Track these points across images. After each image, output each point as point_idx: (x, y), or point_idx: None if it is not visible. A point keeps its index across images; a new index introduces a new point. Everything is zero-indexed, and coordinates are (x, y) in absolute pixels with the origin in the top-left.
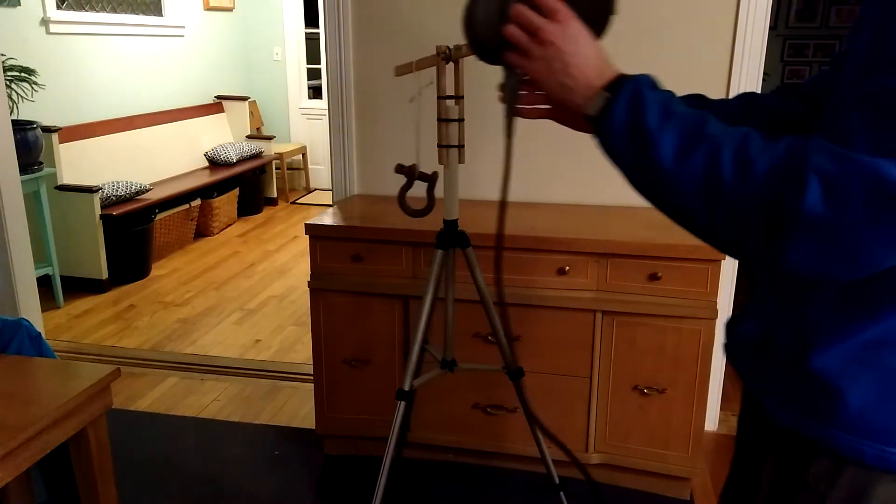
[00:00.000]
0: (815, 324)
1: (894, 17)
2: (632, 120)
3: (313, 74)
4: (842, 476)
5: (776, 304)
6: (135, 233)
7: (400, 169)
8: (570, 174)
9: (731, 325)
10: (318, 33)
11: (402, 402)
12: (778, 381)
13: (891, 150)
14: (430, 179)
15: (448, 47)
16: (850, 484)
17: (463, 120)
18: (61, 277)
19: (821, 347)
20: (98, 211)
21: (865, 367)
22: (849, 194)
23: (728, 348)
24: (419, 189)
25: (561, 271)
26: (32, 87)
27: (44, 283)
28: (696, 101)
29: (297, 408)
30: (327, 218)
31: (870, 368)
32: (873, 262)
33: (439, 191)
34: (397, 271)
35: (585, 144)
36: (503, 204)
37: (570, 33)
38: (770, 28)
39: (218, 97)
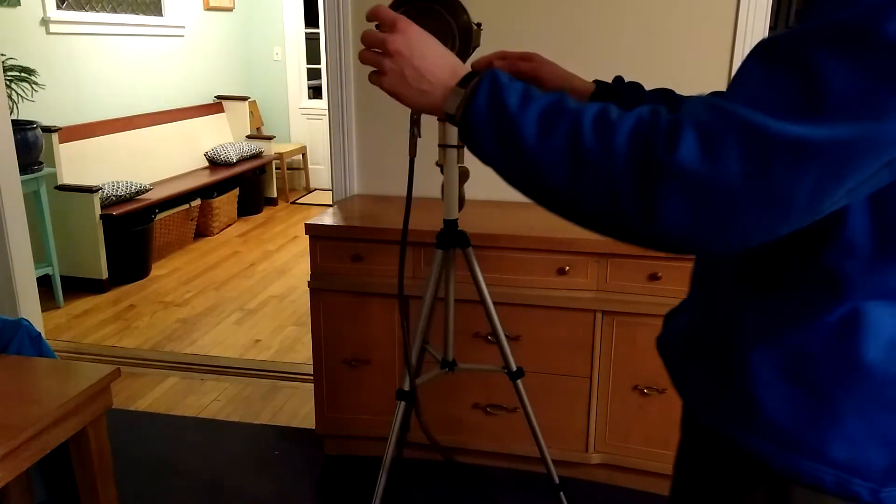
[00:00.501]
0: (739, 325)
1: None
2: (492, 107)
3: (313, 74)
4: (759, 483)
5: (702, 298)
6: (135, 233)
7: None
8: None
9: (665, 320)
10: (318, 33)
11: (402, 402)
12: (700, 378)
13: (768, 103)
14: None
15: None
16: (768, 491)
17: None
18: (61, 277)
19: (742, 350)
20: (98, 211)
21: (784, 375)
22: (724, 145)
23: (658, 341)
24: (427, 187)
25: (561, 271)
26: (32, 87)
27: (44, 283)
28: (663, 94)
29: (297, 408)
30: (327, 218)
31: (788, 377)
32: (744, 228)
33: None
34: (397, 271)
35: None
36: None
37: (413, 40)
38: (770, 28)
39: (218, 97)
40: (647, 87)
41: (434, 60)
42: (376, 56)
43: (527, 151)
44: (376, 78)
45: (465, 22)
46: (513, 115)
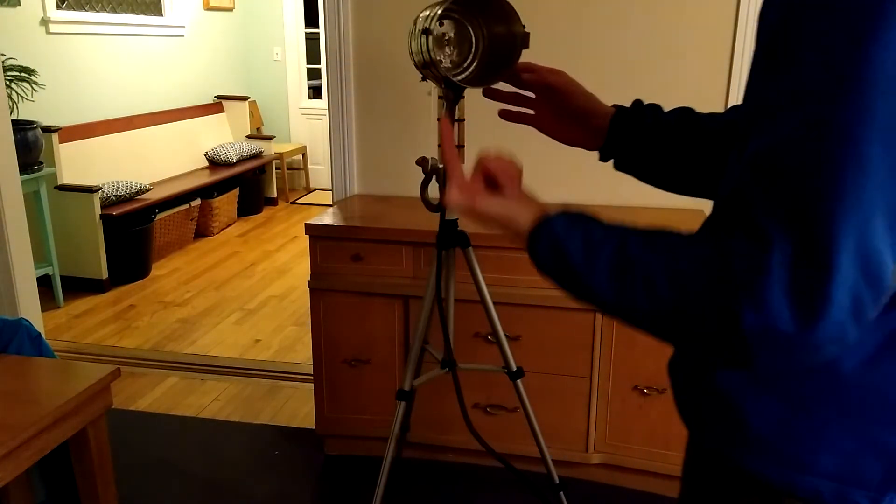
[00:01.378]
0: None
1: (759, 51)
2: (558, 264)
3: (313, 74)
4: (751, 497)
5: None
6: (135, 233)
7: (420, 161)
8: (570, 174)
9: None
10: (318, 33)
11: (403, 402)
12: (689, 394)
13: (785, 215)
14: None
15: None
16: None
17: (464, 120)
18: (61, 277)
19: (724, 367)
20: (98, 211)
21: (768, 388)
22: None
23: (670, 365)
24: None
25: None
26: (32, 87)
27: (44, 283)
28: (683, 115)
29: (297, 408)
30: (327, 218)
31: (771, 391)
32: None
33: None
34: (397, 271)
35: None
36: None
37: (516, 192)
38: None
39: (218, 97)
40: (651, 88)
41: (506, 213)
42: (489, 192)
43: (608, 308)
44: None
45: (506, 32)
46: (581, 274)
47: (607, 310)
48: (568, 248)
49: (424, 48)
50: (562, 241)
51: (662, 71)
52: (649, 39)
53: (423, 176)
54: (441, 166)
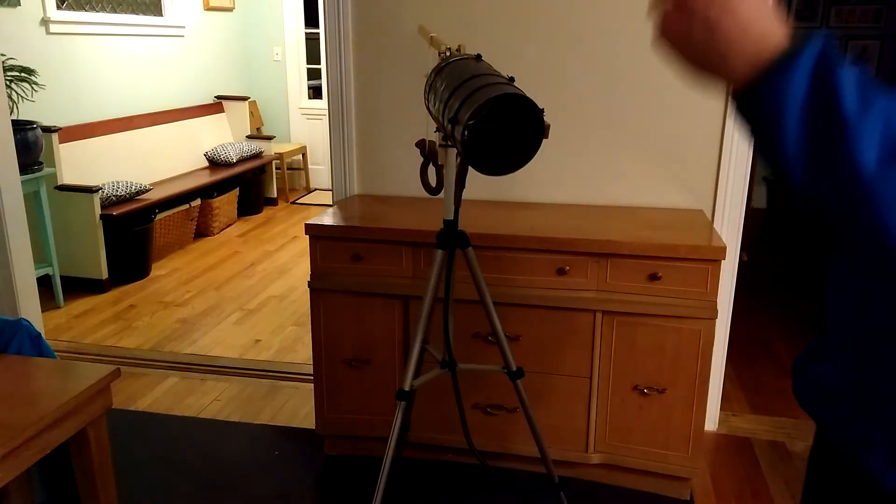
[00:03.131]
0: None
1: None
2: (818, 99)
3: (313, 74)
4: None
5: (870, 349)
6: (135, 233)
7: (419, 143)
8: (570, 174)
9: (797, 366)
10: (318, 33)
11: (403, 402)
12: (884, 438)
13: None
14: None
15: (448, 48)
16: None
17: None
18: (61, 277)
19: None
20: (98, 211)
21: None
22: None
23: (797, 391)
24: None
25: (561, 271)
26: (32, 87)
27: (44, 283)
28: None
29: (297, 408)
30: (327, 218)
31: None
32: None
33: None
34: (397, 271)
35: (585, 144)
36: None
37: None
38: None
39: (218, 97)
40: (648, 92)
41: (769, 20)
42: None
43: (863, 181)
44: (664, 21)
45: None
46: (847, 124)
47: (848, 186)
48: (840, 79)
49: (449, 130)
50: (834, 69)
51: (661, 68)
52: (647, 36)
53: (422, 159)
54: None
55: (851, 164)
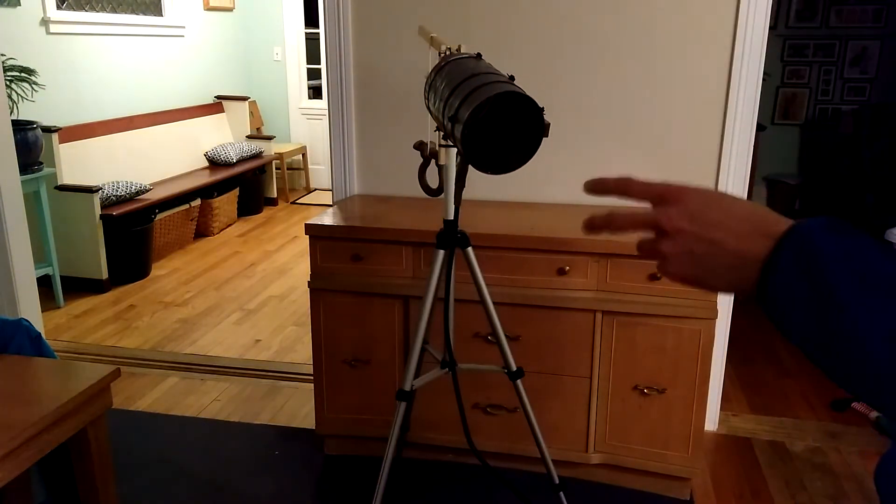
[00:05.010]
0: None
1: None
2: (809, 287)
3: (313, 74)
4: None
5: None
6: (135, 233)
7: (418, 145)
8: (570, 174)
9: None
10: (318, 33)
11: (403, 403)
12: None
13: None
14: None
15: (448, 48)
16: None
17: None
18: (61, 277)
19: None
20: (98, 211)
21: None
22: None
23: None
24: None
25: (561, 271)
26: (32, 87)
27: (44, 283)
28: None
29: (297, 408)
30: (327, 218)
31: None
32: None
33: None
34: (397, 271)
35: (585, 144)
36: None
37: (695, 206)
38: (770, 28)
39: (218, 97)
40: (648, 91)
41: (732, 225)
42: (650, 246)
43: (870, 369)
44: (661, 266)
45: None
46: (843, 306)
47: (869, 379)
48: (829, 267)
49: (449, 129)
50: (820, 254)
51: (661, 68)
52: (647, 36)
53: (422, 161)
54: None
55: (865, 358)
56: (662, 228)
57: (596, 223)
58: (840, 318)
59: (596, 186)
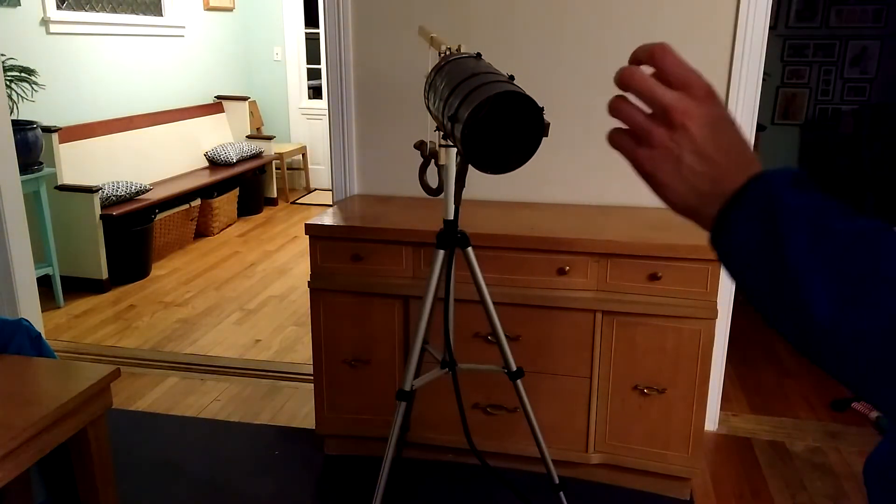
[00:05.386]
0: None
1: None
2: (765, 248)
3: (313, 74)
4: None
5: None
6: (135, 233)
7: (418, 145)
8: (570, 174)
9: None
10: (318, 33)
11: (403, 403)
12: None
13: None
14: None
15: (448, 48)
16: None
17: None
18: (61, 277)
19: None
20: (98, 211)
21: None
22: None
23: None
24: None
25: (561, 271)
26: (32, 87)
27: (44, 283)
28: None
29: (297, 408)
30: (327, 218)
31: None
32: None
33: None
34: (397, 271)
35: (584, 144)
36: None
37: (714, 115)
38: (770, 28)
39: (218, 97)
40: None
41: (731, 155)
42: (645, 120)
43: (820, 331)
44: (633, 150)
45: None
46: (795, 269)
47: (806, 335)
48: (788, 223)
49: (449, 129)
50: (784, 208)
51: None
52: (647, 36)
53: (422, 160)
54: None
55: (807, 314)
56: (670, 116)
57: (625, 72)
58: (787, 278)
59: (637, 52)
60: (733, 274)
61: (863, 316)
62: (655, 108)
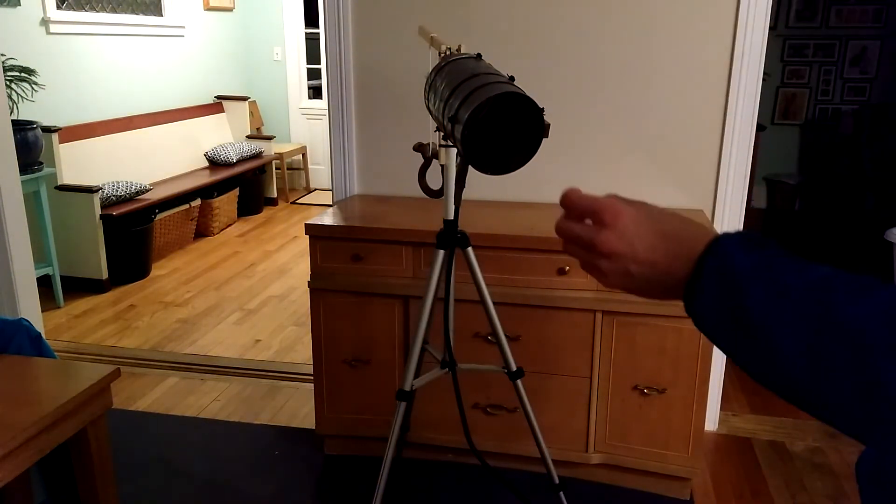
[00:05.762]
0: None
1: None
2: (724, 306)
3: (313, 74)
4: None
5: None
6: (135, 233)
7: (417, 147)
8: (570, 174)
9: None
10: (318, 33)
11: (403, 403)
12: None
13: None
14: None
15: (449, 48)
16: None
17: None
18: (61, 277)
19: None
20: (98, 211)
21: None
22: None
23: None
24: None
25: (561, 271)
26: (32, 87)
27: (44, 283)
28: None
29: (297, 408)
30: (327, 218)
31: None
32: None
33: None
34: (397, 271)
35: (584, 144)
36: None
37: (629, 230)
38: (770, 28)
39: (218, 97)
40: (648, 91)
41: (664, 245)
42: (588, 256)
43: (794, 383)
44: (602, 281)
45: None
46: (762, 325)
47: (791, 387)
48: (747, 285)
49: (449, 129)
50: (738, 273)
51: (660, 69)
52: (647, 36)
53: (423, 161)
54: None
55: (783, 368)
56: (598, 250)
57: (558, 232)
58: (757, 337)
59: (562, 201)
60: (710, 338)
61: (832, 366)
62: (590, 249)
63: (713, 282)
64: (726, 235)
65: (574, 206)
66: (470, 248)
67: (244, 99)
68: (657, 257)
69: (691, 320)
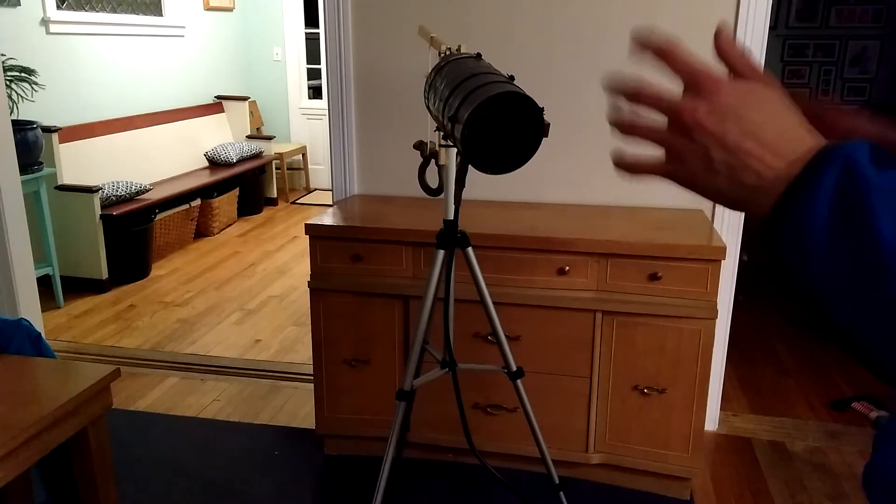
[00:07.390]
0: None
1: None
2: (843, 224)
3: (313, 74)
4: None
5: None
6: (135, 233)
7: (417, 145)
8: (570, 174)
9: (876, 443)
10: (318, 33)
11: (403, 402)
12: None
13: None
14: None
15: (448, 48)
16: None
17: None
18: (61, 277)
19: None
20: (98, 211)
21: None
22: None
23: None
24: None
25: (561, 271)
26: (32, 87)
27: (44, 283)
28: None
29: (297, 408)
30: (327, 218)
31: None
32: None
33: None
34: (397, 271)
35: (584, 145)
36: None
37: (732, 103)
38: (770, 28)
39: (218, 97)
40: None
41: (769, 136)
42: (661, 134)
43: None
44: (662, 168)
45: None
46: (886, 261)
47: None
48: (871, 196)
49: (449, 129)
50: (866, 181)
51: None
52: None
53: (422, 160)
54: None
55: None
56: (682, 120)
57: (622, 87)
58: (880, 273)
59: (644, 39)
60: (794, 266)
61: None
62: (668, 116)
63: (828, 195)
64: (853, 143)
65: (673, 61)
66: (470, 248)
67: (244, 99)
68: (754, 147)
69: (762, 238)
